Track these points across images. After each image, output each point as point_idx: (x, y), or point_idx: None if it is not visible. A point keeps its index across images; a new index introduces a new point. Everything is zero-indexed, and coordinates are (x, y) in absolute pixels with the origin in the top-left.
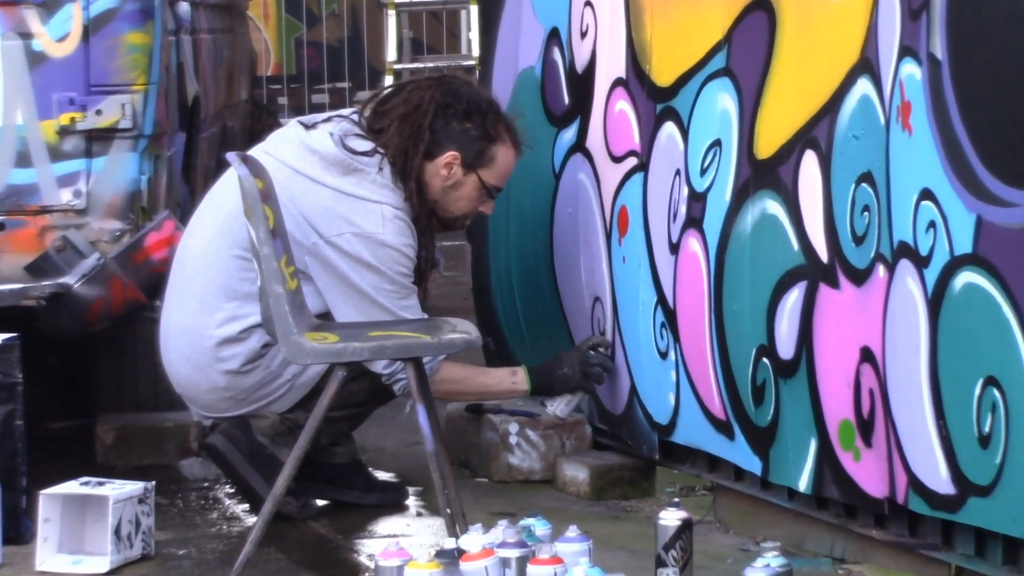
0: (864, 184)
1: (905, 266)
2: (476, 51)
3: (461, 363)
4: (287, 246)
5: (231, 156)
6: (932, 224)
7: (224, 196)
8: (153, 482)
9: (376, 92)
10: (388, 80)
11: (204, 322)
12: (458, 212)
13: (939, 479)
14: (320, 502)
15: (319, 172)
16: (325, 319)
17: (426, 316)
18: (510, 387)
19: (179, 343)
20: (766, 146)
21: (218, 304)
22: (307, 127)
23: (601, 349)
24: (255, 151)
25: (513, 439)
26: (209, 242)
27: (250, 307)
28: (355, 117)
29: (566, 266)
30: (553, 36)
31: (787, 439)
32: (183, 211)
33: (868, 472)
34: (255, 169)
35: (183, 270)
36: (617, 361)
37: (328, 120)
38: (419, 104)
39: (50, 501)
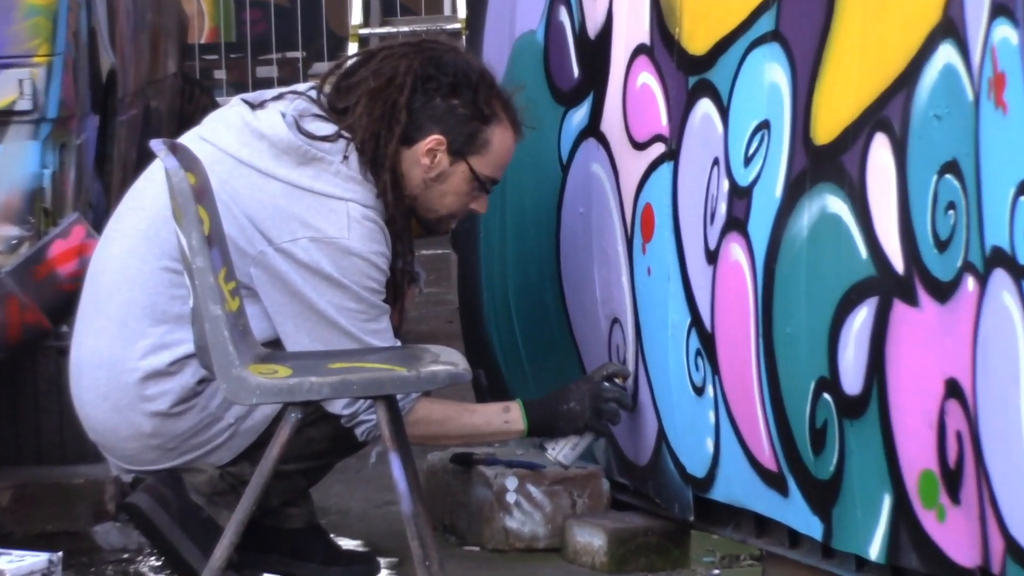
0: (948, 175)
1: (1000, 277)
2: (462, 11)
3: (441, 399)
4: (227, 256)
5: (156, 144)
6: None
7: (148, 195)
8: (60, 553)
9: (338, 63)
10: (353, 48)
11: (125, 352)
12: (443, 211)
13: None
14: None
15: (268, 162)
16: (275, 347)
17: (400, 344)
18: (501, 427)
19: (94, 379)
20: (826, 129)
21: (142, 329)
22: (253, 107)
23: (618, 380)
24: (187, 137)
25: (511, 496)
26: (130, 252)
27: (182, 332)
28: (313, 94)
29: (577, 280)
30: None
31: (854, 495)
32: (97, 214)
33: (955, 535)
34: (186, 160)
35: (98, 287)
36: (641, 398)
37: (279, 98)
38: (393, 77)
39: None
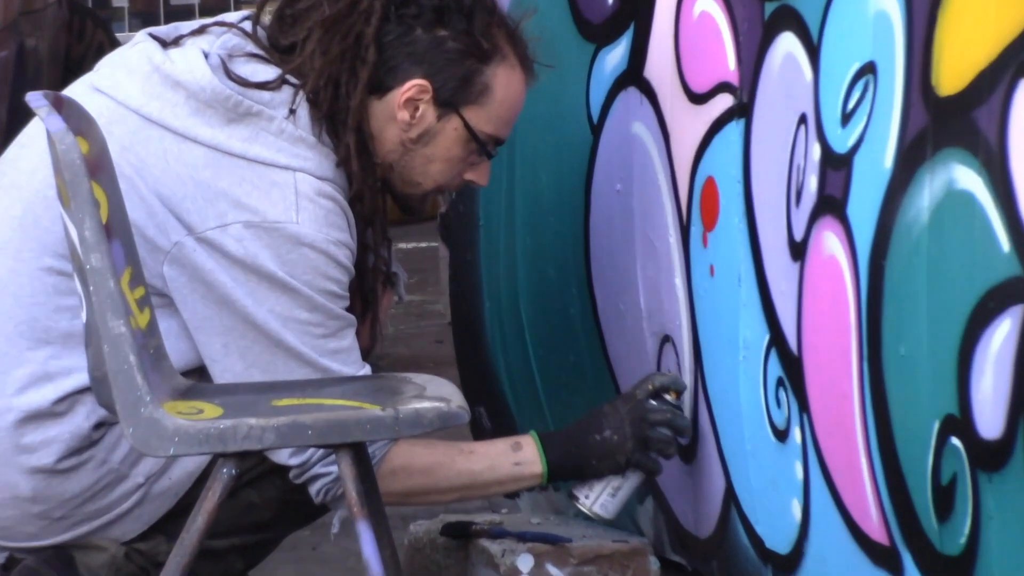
0: None
1: None
2: None
3: (426, 440)
4: (132, 252)
5: (35, 99)
6: None
7: (23, 168)
8: None
9: None
10: None
11: None
12: (429, 183)
13: None
14: None
15: (186, 119)
16: (199, 378)
17: (370, 370)
18: (511, 472)
19: None
20: (953, 74)
21: (17, 354)
22: (165, 44)
23: (669, 396)
24: (76, 88)
25: None
26: (0, 247)
27: (72, 357)
28: (247, 27)
29: (612, 283)
30: None
31: (994, 575)
32: None
33: None
34: (77, 120)
35: None
36: (703, 444)
37: (200, 32)
38: (356, 0)
39: None
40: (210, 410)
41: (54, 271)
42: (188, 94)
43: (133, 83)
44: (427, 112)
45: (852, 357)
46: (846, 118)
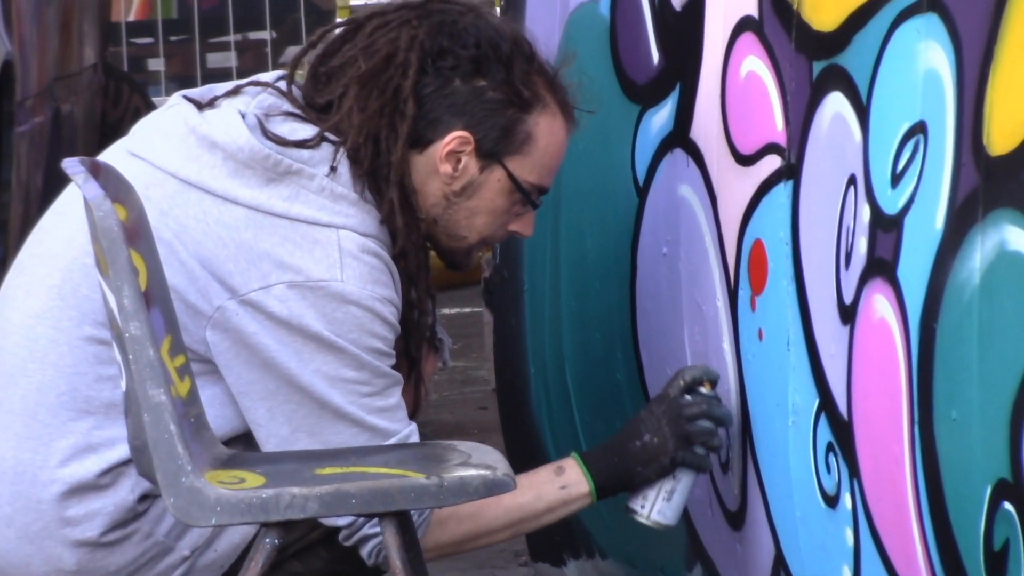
0: None
1: None
2: None
3: None
4: (172, 319)
5: (71, 165)
6: None
7: (61, 236)
8: None
9: (313, 40)
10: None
11: (37, 458)
12: (474, 236)
13: None
14: None
15: (225, 180)
16: (242, 446)
17: (415, 428)
18: (559, 496)
19: None
20: (1005, 133)
21: (60, 425)
22: (200, 106)
23: (703, 388)
24: (112, 153)
25: None
26: (39, 316)
27: (115, 428)
28: (282, 85)
29: (658, 349)
30: None
31: None
32: None
33: None
34: (114, 186)
35: (1, 350)
36: (751, 510)
37: (235, 93)
38: (392, 54)
39: None
40: (252, 479)
41: (95, 340)
42: (226, 155)
43: (169, 146)
44: (470, 164)
45: (903, 421)
46: (896, 179)
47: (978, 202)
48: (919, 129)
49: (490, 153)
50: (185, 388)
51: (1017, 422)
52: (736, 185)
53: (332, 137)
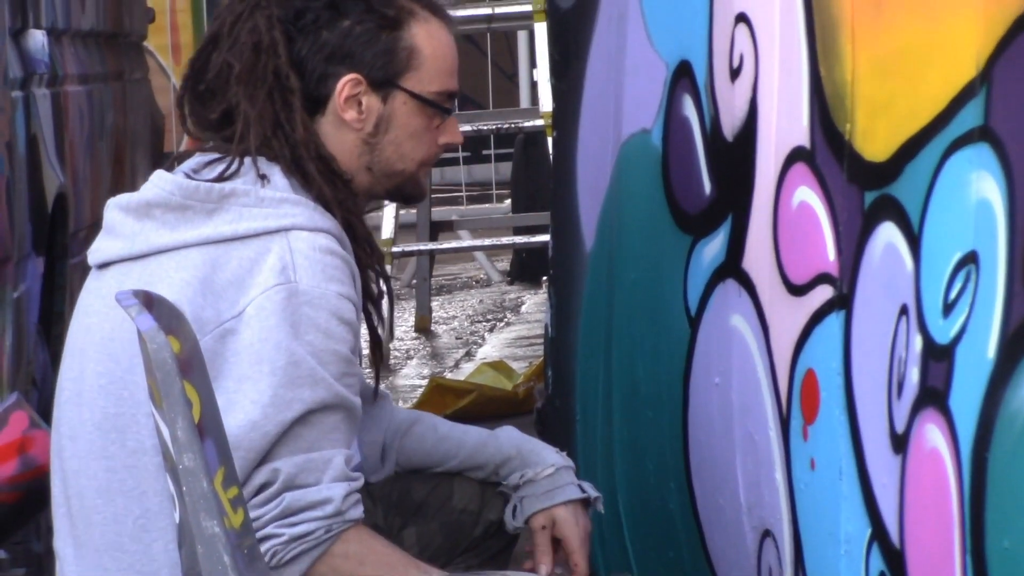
0: None
1: None
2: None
3: (385, 540)
4: (224, 451)
5: (124, 297)
6: None
7: (75, 366)
8: None
9: (187, 72)
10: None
11: None
12: (410, 164)
13: None
14: None
15: (172, 234)
16: None
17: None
18: None
19: None
20: None
21: (145, 549)
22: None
23: None
24: (89, 285)
25: None
26: (88, 456)
27: None
28: (191, 150)
29: (711, 478)
30: (682, 76)
31: None
32: (44, 394)
33: None
34: (167, 318)
35: (69, 498)
36: None
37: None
38: (258, 42)
39: None
40: None
41: (143, 451)
42: (163, 209)
43: (114, 238)
44: (370, 101)
45: (955, 550)
46: (948, 308)
47: None
48: (971, 259)
49: (383, 82)
50: (239, 519)
51: None
52: (788, 315)
53: (246, 149)
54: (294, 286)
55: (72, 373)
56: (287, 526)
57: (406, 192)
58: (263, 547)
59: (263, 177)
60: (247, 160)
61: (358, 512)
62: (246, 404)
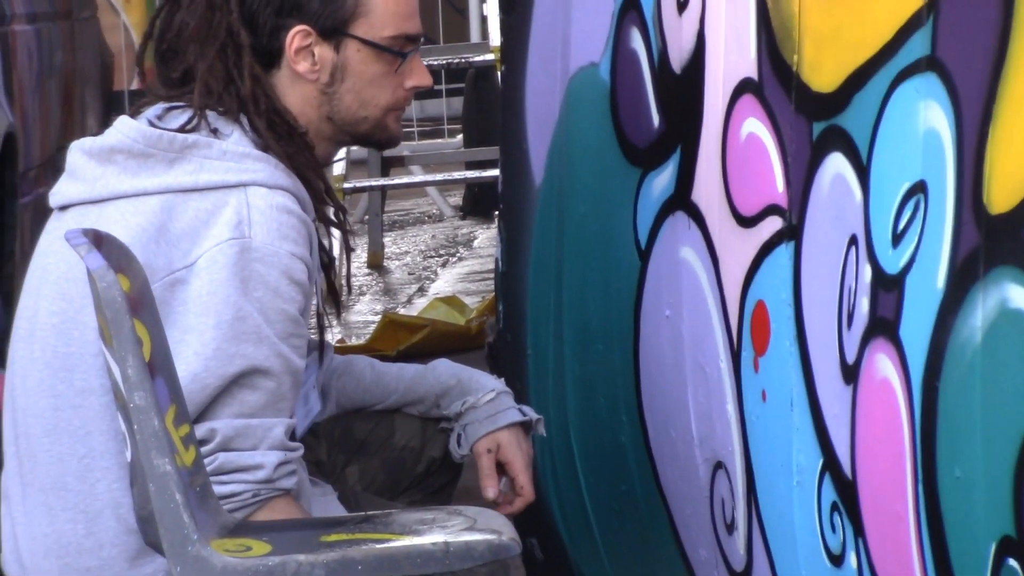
0: None
1: None
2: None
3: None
4: (176, 389)
5: (74, 236)
6: None
7: (29, 304)
8: None
9: (149, 29)
10: None
11: (79, 527)
12: (375, 111)
13: None
14: None
15: (132, 179)
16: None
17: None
18: None
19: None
20: (1005, 191)
21: (89, 488)
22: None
23: None
24: (50, 225)
25: None
26: (37, 392)
27: None
28: (158, 94)
29: (663, 410)
30: (630, 8)
31: None
32: None
33: None
34: (117, 257)
35: (18, 436)
36: (758, 571)
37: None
38: (211, 1)
39: None
40: (258, 547)
41: (95, 391)
42: (126, 155)
43: (75, 181)
44: (322, 51)
45: (907, 480)
46: (897, 238)
47: (979, 260)
48: (920, 188)
49: (333, 31)
50: (190, 457)
51: (1021, 479)
52: (738, 247)
53: (207, 104)
54: (247, 241)
55: (27, 312)
56: (216, 484)
57: (375, 138)
58: (227, 489)
59: (215, 131)
60: (211, 114)
61: (289, 483)
62: (189, 355)
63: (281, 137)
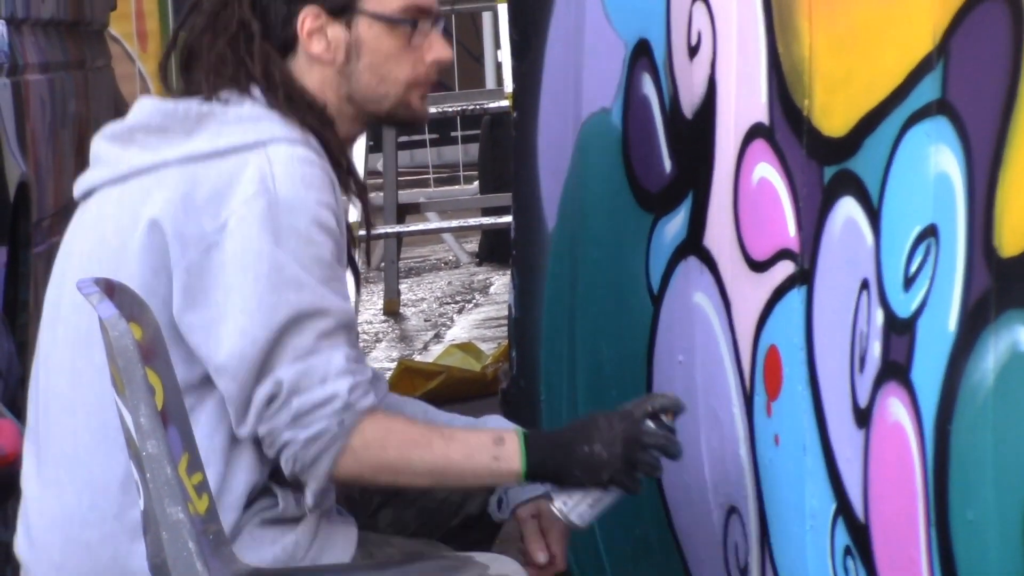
0: None
1: None
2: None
3: (405, 417)
4: (188, 438)
5: (85, 285)
6: None
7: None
8: None
9: (166, 51)
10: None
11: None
12: (393, 86)
13: None
14: None
15: (153, 154)
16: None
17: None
18: (488, 466)
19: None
20: (1016, 235)
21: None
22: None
23: (666, 418)
24: (75, 219)
25: None
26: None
27: None
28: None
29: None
30: (641, 54)
31: None
32: (8, 384)
33: None
34: (129, 305)
35: (39, 420)
36: None
37: None
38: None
39: None
40: None
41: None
42: (145, 132)
43: (98, 166)
44: (334, 31)
45: (919, 523)
46: (908, 282)
47: (990, 303)
48: (931, 232)
49: (343, 9)
50: (203, 505)
51: None
52: (750, 291)
53: (221, 85)
54: (273, 195)
55: (52, 298)
56: (300, 428)
57: (400, 116)
58: (283, 456)
59: (227, 101)
60: (224, 92)
61: (369, 400)
62: (235, 314)
63: (300, 109)
